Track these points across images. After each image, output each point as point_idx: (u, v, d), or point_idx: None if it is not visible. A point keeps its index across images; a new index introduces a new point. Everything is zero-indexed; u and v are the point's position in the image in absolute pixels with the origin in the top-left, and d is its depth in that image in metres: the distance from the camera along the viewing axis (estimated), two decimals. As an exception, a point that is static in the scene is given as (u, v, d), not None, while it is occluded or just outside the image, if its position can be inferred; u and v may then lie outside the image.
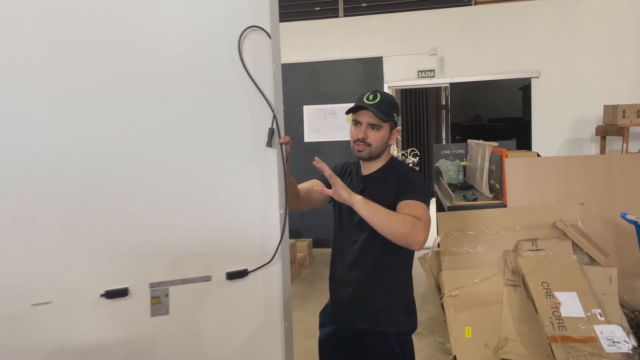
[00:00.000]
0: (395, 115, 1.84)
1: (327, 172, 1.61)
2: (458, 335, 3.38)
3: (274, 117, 1.61)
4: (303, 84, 6.40)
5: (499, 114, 6.49)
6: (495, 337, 3.34)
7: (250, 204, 1.61)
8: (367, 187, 1.85)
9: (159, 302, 1.52)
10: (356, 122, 1.84)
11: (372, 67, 6.42)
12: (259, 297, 1.63)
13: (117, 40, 1.44)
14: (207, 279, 1.58)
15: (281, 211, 1.64)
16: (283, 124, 1.62)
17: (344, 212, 1.90)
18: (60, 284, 1.41)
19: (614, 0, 5.78)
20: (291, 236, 6.36)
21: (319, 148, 6.40)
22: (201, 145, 1.55)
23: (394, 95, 9.98)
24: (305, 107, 6.41)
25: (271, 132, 1.60)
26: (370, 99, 1.80)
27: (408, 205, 1.68)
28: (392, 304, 1.83)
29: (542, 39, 6.01)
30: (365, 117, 1.80)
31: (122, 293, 1.47)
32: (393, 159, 1.91)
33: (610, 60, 5.82)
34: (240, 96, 1.58)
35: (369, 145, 1.81)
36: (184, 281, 1.55)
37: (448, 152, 5.52)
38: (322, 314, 2.04)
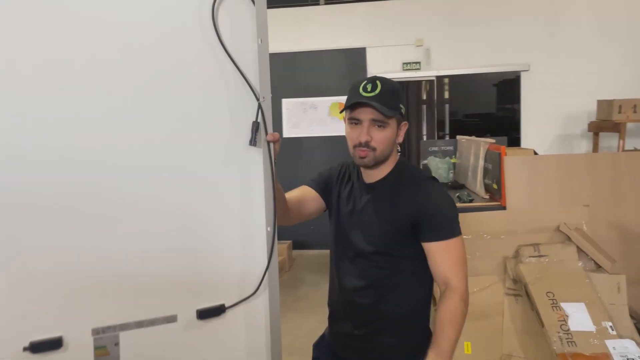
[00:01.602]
0: (401, 106, 1.47)
1: None
2: (456, 351, 3.08)
3: (259, 107, 1.24)
4: (281, 75, 6.00)
5: (486, 109, 6.23)
6: (497, 353, 3.05)
7: (228, 220, 1.25)
8: (372, 197, 1.50)
9: (106, 354, 1.14)
10: (354, 121, 1.45)
11: (355, 58, 6.07)
12: (240, 341, 1.27)
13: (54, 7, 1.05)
14: (171, 319, 1.21)
15: (268, 229, 1.28)
16: (271, 116, 1.26)
17: (343, 226, 1.54)
18: (-36, 336, 1.02)
19: (607, -10, 5.56)
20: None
21: (299, 144, 6.03)
22: (163, 146, 1.17)
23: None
24: (284, 101, 6.03)
25: (255, 127, 1.24)
26: (369, 89, 1.41)
27: (447, 251, 1.40)
28: (404, 340, 1.49)
29: (533, 31, 5.77)
30: (367, 114, 1.42)
31: (54, 344, 1.09)
32: (402, 162, 1.54)
33: (603, 53, 5.61)
34: (215, 80, 1.21)
35: (374, 149, 1.44)
36: (140, 324, 1.17)
37: (436, 148, 5.22)
38: (317, 346, 1.69)
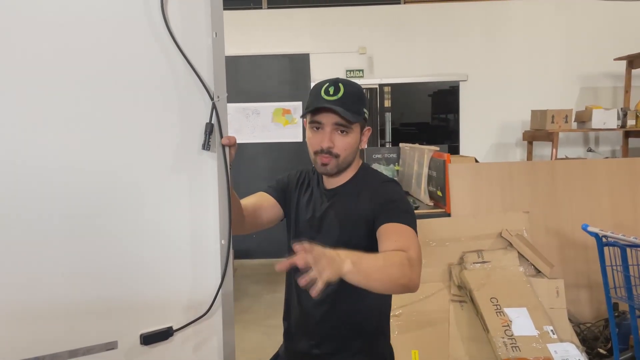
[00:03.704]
0: (365, 110, 1.40)
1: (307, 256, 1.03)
2: (404, 360, 3.05)
3: (214, 107, 1.13)
4: (223, 79, 5.83)
5: (426, 117, 6.36)
6: (444, 361, 3.05)
7: (177, 233, 1.12)
8: (333, 203, 1.41)
9: (32, 390, 0.98)
10: (316, 126, 1.37)
11: (299, 64, 5.99)
12: (190, 367, 1.14)
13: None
14: (111, 346, 1.06)
15: (222, 242, 1.16)
16: (227, 117, 1.15)
17: (302, 234, 1.43)
18: None
19: (541, 5, 5.83)
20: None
21: (241, 151, 5.84)
22: (102, 151, 1.03)
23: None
24: (225, 105, 5.86)
25: (209, 129, 1.12)
26: (331, 92, 1.32)
27: (395, 232, 1.24)
28: (367, 357, 1.41)
29: (471, 42, 5.96)
30: (329, 118, 1.34)
31: (-34, 383, 0.92)
32: (364, 167, 1.48)
33: (537, 65, 5.87)
34: (164, 77, 1.08)
35: (336, 156, 1.36)
36: (74, 353, 1.02)
37: (379, 156, 5.24)
38: (271, 366, 1.58)
